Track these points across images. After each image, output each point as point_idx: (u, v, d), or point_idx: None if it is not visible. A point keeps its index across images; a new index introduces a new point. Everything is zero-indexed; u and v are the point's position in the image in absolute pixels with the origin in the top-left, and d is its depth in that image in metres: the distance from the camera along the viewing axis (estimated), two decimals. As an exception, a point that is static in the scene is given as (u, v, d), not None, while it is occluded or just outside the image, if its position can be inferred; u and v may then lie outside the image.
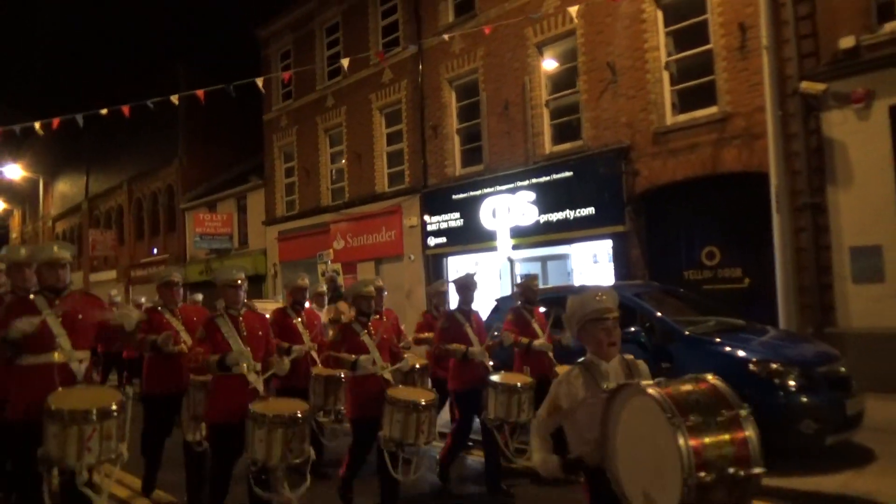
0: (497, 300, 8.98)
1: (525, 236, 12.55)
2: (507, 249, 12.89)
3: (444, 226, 14.28)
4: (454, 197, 14.00)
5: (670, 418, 2.24)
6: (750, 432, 2.28)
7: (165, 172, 25.81)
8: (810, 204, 9.01)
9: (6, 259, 4.85)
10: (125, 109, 12.15)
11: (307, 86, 18.16)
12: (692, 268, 10.51)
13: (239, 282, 4.58)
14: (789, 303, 8.99)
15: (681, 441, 2.19)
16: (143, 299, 12.39)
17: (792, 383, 5.47)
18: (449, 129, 14.43)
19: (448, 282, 8.10)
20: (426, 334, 7.15)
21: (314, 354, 6.31)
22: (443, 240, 14.33)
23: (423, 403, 4.76)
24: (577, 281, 11.94)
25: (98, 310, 4.29)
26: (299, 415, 4.18)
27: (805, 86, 8.89)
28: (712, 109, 10.12)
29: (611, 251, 11.36)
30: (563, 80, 12.41)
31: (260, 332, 4.68)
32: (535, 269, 13.49)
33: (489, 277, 13.23)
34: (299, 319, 6.38)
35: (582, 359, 2.92)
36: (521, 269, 13.44)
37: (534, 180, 12.39)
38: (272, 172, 20.13)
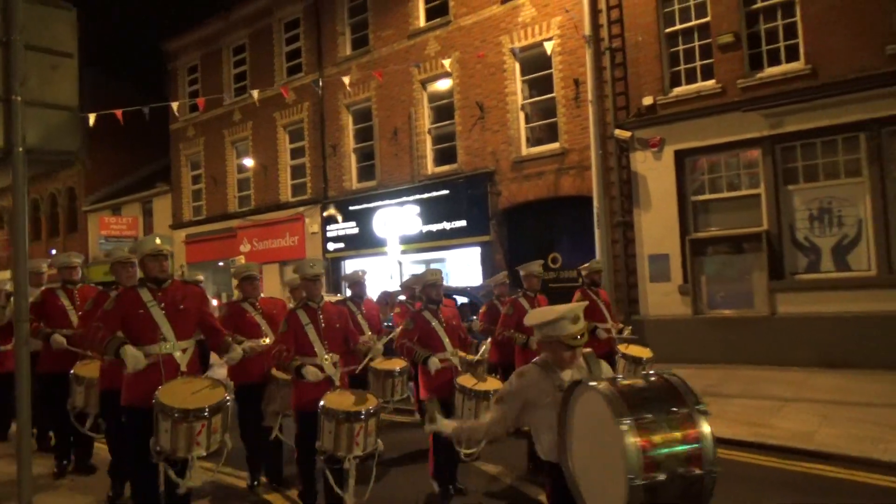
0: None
1: (411, 243, 14.81)
2: (396, 254, 15.10)
3: (342, 233, 16.31)
4: (351, 208, 16.06)
5: (618, 416, 2.20)
6: (703, 430, 2.22)
7: (66, 174, 26.12)
8: (622, 222, 11.83)
9: (114, 257, 5.22)
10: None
11: (215, 100, 19.49)
12: (544, 271, 13.11)
13: (318, 275, 4.82)
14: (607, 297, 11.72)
15: (628, 440, 2.15)
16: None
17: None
18: (346, 149, 16.46)
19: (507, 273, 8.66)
20: (493, 327, 7.24)
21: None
22: (341, 245, 16.35)
23: (492, 392, 4.90)
24: (454, 281, 14.31)
25: (199, 300, 4.38)
26: (371, 409, 4.37)
27: (617, 132, 11.68)
28: (555, 145, 12.78)
29: (479, 256, 13.81)
30: (442, 113, 14.76)
31: (338, 325, 4.88)
32: (419, 271, 15.77)
33: (381, 278, 15.37)
34: (360, 313, 6.56)
35: (537, 359, 2.93)
36: (410, 271, 15.72)
37: (418, 196, 14.67)
38: (179, 179, 21.32)
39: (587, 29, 11.87)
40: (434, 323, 5.30)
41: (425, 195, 14.56)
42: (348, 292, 8.01)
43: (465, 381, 5.15)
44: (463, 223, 13.91)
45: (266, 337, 5.56)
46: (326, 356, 4.66)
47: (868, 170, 9.81)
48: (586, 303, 2.94)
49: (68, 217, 26.21)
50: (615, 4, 11.86)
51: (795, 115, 10.21)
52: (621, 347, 6.84)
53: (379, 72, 13.84)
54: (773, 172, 10.50)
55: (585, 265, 7.59)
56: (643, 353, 6.70)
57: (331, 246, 16.55)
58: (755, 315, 10.59)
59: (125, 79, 24.72)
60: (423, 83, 14.85)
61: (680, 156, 11.31)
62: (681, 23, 11.44)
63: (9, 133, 3.76)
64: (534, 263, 7.00)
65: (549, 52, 12.43)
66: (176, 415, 3.67)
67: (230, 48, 19.58)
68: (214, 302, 8.59)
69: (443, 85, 14.63)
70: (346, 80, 13.74)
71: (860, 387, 8.28)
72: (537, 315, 2.92)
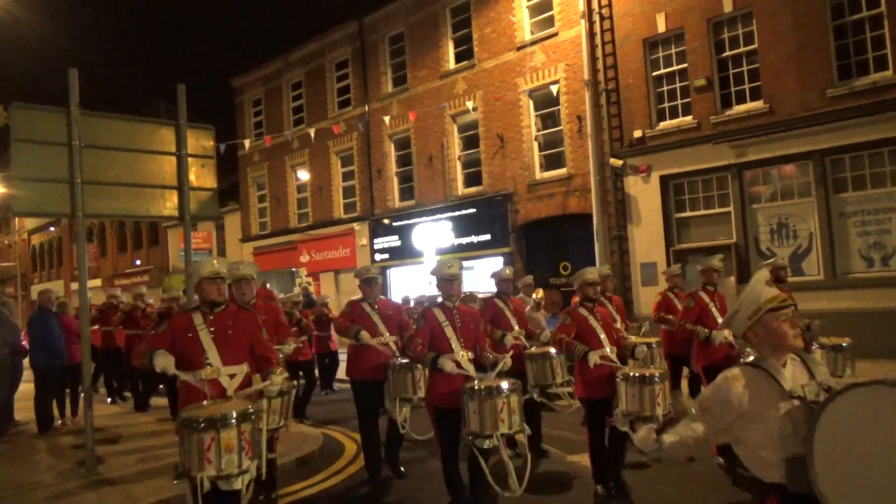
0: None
1: (445, 254, 17.25)
2: (432, 264, 17.62)
3: (386, 245, 18.95)
4: (394, 224, 18.68)
5: None
6: None
7: (147, 194, 29.63)
8: (618, 235, 14.05)
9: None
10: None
11: (276, 129, 22.43)
12: (554, 276, 15.44)
13: (455, 276, 4.90)
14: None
15: None
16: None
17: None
18: (389, 172, 19.11)
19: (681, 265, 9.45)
20: (668, 316, 7.69)
21: (523, 339, 6.70)
22: (386, 256, 18.99)
23: (657, 375, 4.85)
24: (480, 287, 16.72)
25: (251, 325, 4.31)
26: (511, 385, 4.41)
27: (612, 161, 13.92)
28: (563, 171, 15.08)
29: (502, 265, 16.13)
30: (469, 142, 17.23)
31: (472, 325, 4.91)
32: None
33: (422, 283, 17.94)
34: (508, 308, 6.74)
35: (749, 359, 2.56)
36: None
37: (450, 213, 17.16)
38: (246, 198, 24.41)
39: (586, 74, 14.17)
40: (591, 320, 5.30)
41: (456, 213, 17.04)
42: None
43: (625, 369, 5.10)
44: (488, 237, 16.33)
45: (383, 335, 5.95)
46: (462, 353, 4.74)
47: (816, 191, 11.79)
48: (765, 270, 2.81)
49: (150, 232, 29.77)
50: (610, 52, 14.11)
51: (756, 146, 12.26)
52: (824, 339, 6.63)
53: (413, 112, 16.43)
54: (740, 194, 12.57)
55: (703, 259, 7.26)
56: (841, 339, 6.32)
57: (378, 256, 19.20)
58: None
59: (197, 111, 28.07)
60: (454, 117, 17.33)
61: (664, 180, 13.46)
62: (664, 68, 13.60)
63: (182, 208, 6.45)
64: (713, 257, 6.96)
65: (555, 93, 14.77)
66: (183, 424, 3.54)
67: (289, 84, 22.49)
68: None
69: (469, 118, 17.08)
70: (387, 119, 16.37)
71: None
72: (736, 306, 2.56)
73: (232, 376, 4.08)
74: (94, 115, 6.04)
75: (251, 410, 3.62)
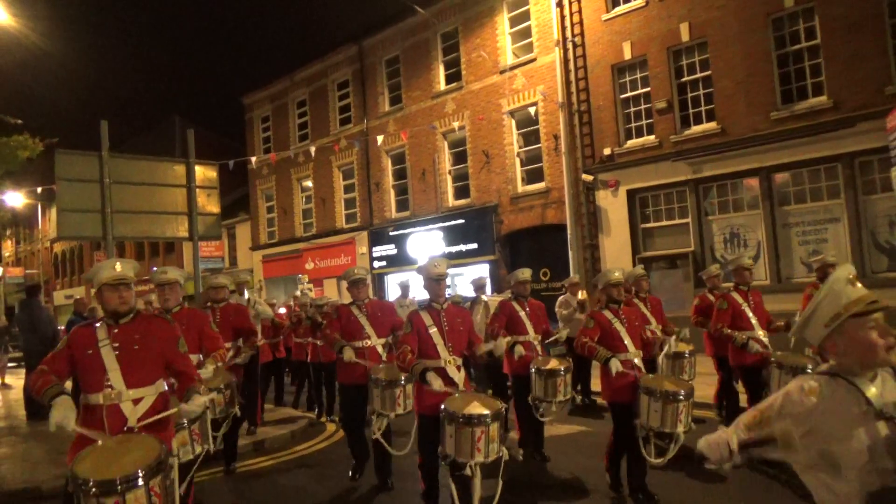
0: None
1: (437, 261, 18.65)
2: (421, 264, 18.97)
3: (384, 253, 20.36)
4: (391, 233, 20.09)
5: None
6: None
7: (163, 205, 31.29)
8: (590, 245, 15.36)
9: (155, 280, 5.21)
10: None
11: (283, 144, 24.00)
12: (535, 282, 16.71)
13: (442, 276, 4.75)
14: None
15: None
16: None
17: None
18: (387, 185, 20.53)
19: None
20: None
21: (537, 345, 6.57)
22: (384, 263, 20.40)
23: (682, 394, 4.70)
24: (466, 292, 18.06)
25: (165, 338, 3.69)
26: (492, 413, 4.13)
27: (584, 176, 15.24)
28: (542, 185, 16.41)
29: (488, 271, 17.53)
30: (458, 158, 18.62)
31: (461, 328, 4.73)
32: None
33: (416, 288, 19.31)
34: (524, 311, 6.57)
35: (827, 366, 2.09)
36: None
37: (441, 224, 18.54)
38: (256, 209, 25.94)
39: (561, 96, 15.50)
40: (616, 323, 5.17)
41: (446, 223, 18.42)
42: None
43: (651, 381, 4.95)
44: (475, 245, 17.69)
45: (369, 338, 5.78)
46: (450, 359, 4.63)
47: (762, 204, 13.04)
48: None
49: (166, 242, 31.40)
50: (582, 77, 15.44)
51: (711, 163, 13.54)
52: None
53: (405, 132, 17.86)
54: (697, 207, 13.84)
55: (735, 262, 6.79)
56: None
57: (376, 264, 20.62)
58: (685, 315, 13.90)
59: (209, 125, 29.67)
60: (444, 134, 18.73)
61: (631, 194, 14.75)
62: (630, 91, 14.92)
63: (192, 230, 7.87)
64: (742, 256, 6.89)
65: (533, 113, 16.12)
66: (79, 488, 2.91)
67: (294, 102, 24.02)
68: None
69: (458, 136, 18.48)
70: (380, 138, 17.83)
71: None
72: (808, 309, 2.10)
73: (137, 401, 3.48)
74: (120, 157, 7.49)
75: (161, 458, 3.06)
